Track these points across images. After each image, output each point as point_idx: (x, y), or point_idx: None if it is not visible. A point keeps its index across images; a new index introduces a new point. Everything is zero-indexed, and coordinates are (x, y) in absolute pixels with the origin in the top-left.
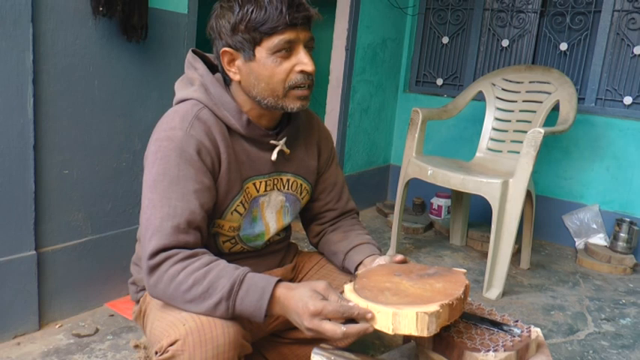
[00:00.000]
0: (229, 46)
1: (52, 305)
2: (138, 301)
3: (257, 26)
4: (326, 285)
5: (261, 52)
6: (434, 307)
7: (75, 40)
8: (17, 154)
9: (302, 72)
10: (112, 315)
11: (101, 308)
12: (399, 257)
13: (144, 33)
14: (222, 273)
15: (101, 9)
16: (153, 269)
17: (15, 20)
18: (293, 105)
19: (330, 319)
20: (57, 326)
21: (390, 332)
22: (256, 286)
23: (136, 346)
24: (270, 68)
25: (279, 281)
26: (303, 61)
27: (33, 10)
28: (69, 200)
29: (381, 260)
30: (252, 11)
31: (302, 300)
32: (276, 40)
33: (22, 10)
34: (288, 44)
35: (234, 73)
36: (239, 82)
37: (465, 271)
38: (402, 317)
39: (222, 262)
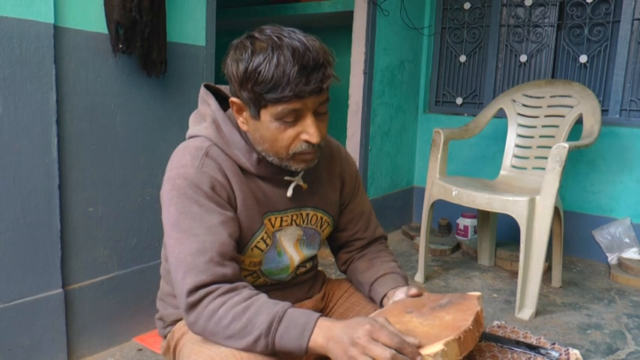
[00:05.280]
0: (237, 97)
1: (81, 342)
2: (165, 337)
3: (262, 92)
4: (385, 319)
5: (266, 114)
6: (438, 347)
7: (96, 78)
8: (43, 193)
9: (307, 141)
10: (141, 349)
11: (129, 343)
12: (413, 291)
13: (163, 67)
14: (262, 309)
15: (121, 46)
16: (192, 306)
17: (39, 62)
18: (297, 166)
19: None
20: None
21: None
22: (297, 323)
23: None
24: (274, 133)
25: (320, 316)
26: (308, 131)
27: (55, 51)
28: (94, 237)
29: (400, 293)
30: (260, 72)
31: (358, 320)
32: (280, 108)
33: (46, 52)
34: (294, 112)
35: (242, 123)
36: (247, 132)
37: (479, 294)
38: None
39: (263, 297)
